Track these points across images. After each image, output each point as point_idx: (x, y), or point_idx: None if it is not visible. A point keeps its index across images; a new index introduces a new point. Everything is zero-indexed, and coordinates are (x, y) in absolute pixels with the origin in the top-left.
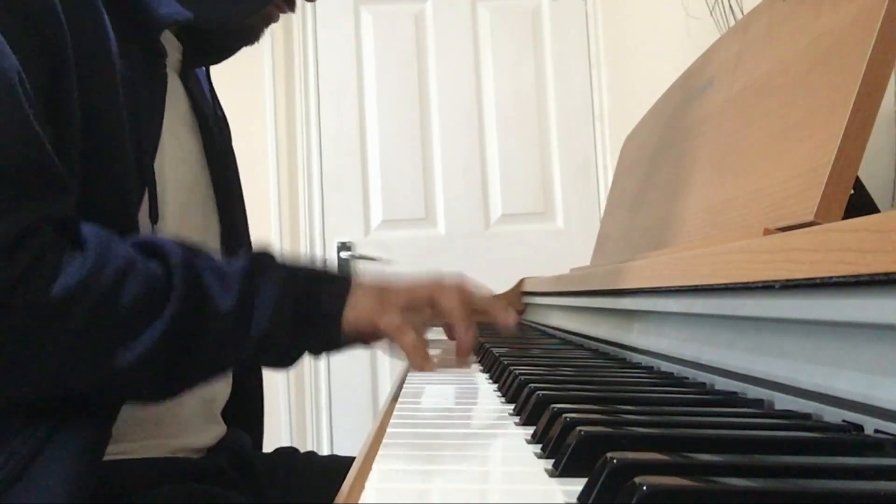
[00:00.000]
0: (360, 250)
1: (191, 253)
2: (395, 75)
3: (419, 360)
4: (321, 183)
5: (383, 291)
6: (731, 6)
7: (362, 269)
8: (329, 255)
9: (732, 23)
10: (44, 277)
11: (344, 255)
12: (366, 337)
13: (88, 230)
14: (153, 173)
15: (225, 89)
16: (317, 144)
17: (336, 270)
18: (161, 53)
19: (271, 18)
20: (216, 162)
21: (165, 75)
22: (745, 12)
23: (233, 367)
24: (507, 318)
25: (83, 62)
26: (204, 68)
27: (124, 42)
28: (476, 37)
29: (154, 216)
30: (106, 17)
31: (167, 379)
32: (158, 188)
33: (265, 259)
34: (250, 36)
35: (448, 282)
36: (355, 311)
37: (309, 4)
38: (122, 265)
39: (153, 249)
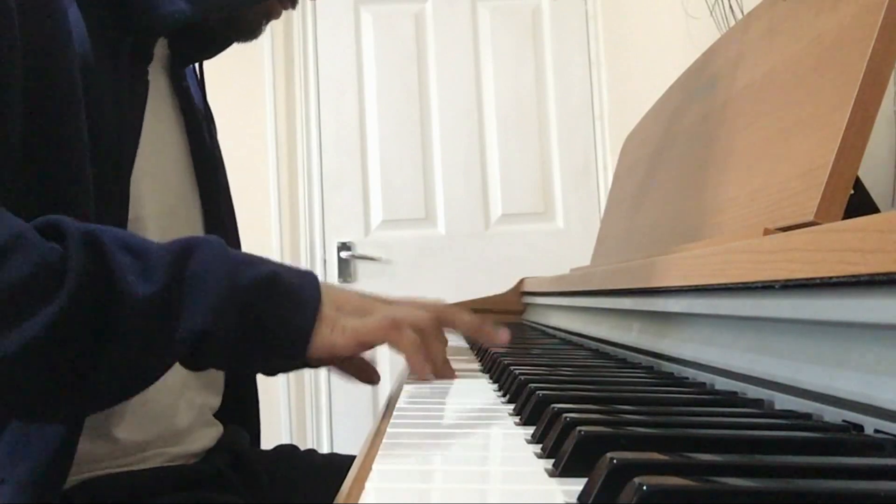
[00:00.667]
0: (360, 250)
1: (98, 229)
2: (395, 75)
3: (447, 370)
4: (321, 183)
5: (374, 306)
6: (731, 6)
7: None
8: (329, 255)
9: (732, 23)
10: None
11: (344, 255)
12: (334, 356)
13: None
14: (128, 187)
15: (225, 89)
16: (317, 144)
17: (298, 272)
18: (146, 59)
19: (272, 14)
20: (203, 163)
21: (147, 83)
22: (745, 12)
23: (162, 368)
24: (499, 336)
25: (36, 71)
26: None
27: (106, 48)
28: (476, 37)
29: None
30: (78, 23)
31: (70, 381)
32: (136, 193)
33: (207, 242)
34: (249, 30)
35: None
36: (334, 330)
37: (310, 3)
38: (6, 239)
39: (51, 227)
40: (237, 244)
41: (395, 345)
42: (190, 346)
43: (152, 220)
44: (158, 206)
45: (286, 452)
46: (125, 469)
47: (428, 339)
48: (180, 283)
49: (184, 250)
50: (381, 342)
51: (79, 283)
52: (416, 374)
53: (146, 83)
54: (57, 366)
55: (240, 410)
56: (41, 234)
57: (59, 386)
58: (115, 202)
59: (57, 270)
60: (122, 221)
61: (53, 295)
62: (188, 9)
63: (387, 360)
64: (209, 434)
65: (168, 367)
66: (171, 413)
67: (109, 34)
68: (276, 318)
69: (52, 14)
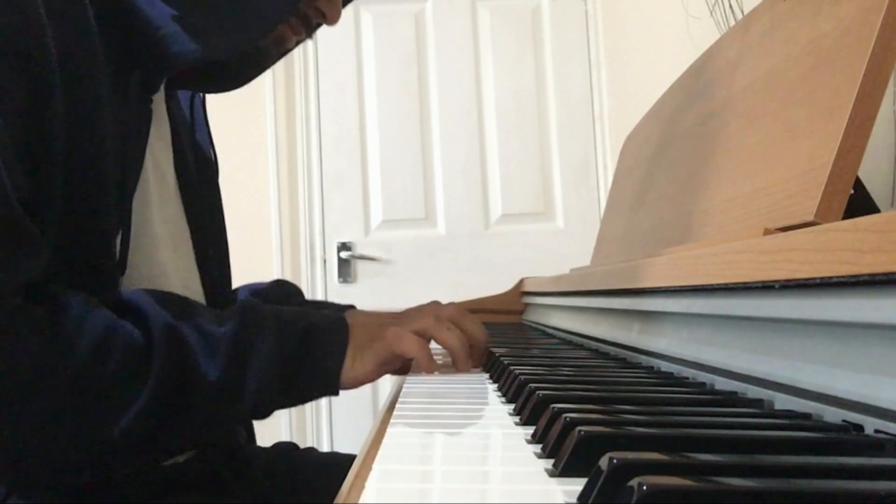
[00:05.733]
0: (360, 250)
1: (174, 313)
2: (395, 75)
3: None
4: (321, 183)
5: (385, 327)
6: (731, 6)
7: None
8: (329, 255)
9: (732, 23)
10: (9, 351)
11: (344, 255)
12: (363, 384)
13: (63, 294)
14: (130, 211)
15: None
16: (317, 144)
17: (329, 314)
18: (153, 90)
19: (286, 44)
20: (190, 190)
21: (151, 111)
22: (745, 12)
23: (223, 430)
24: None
25: (73, 105)
26: (200, 95)
27: (120, 78)
28: (476, 37)
29: (124, 252)
30: (100, 53)
31: (152, 448)
32: (137, 221)
33: (255, 318)
34: (263, 62)
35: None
36: (355, 363)
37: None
38: (100, 336)
39: (133, 312)
40: (226, 262)
41: (403, 351)
42: (246, 412)
43: (153, 239)
44: (159, 226)
45: (285, 450)
46: None
47: (435, 334)
48: (240, 367)
49: (238, 331)
50: (395, 355)
51: (162, 372)
52: (421, 368)
53: (150, 111)
54: (145, 438)
55: None
56: (122, 314)
57: (145, 452)
58: (119, 225)
59: (144, 360)
60: (124, 243)
61: (143, 384)
62: (197, 50)
63: None
64: None
65: (228, 429)
66: None
67: (122, 66)
68: (310, 372)
69: (88, 53)
